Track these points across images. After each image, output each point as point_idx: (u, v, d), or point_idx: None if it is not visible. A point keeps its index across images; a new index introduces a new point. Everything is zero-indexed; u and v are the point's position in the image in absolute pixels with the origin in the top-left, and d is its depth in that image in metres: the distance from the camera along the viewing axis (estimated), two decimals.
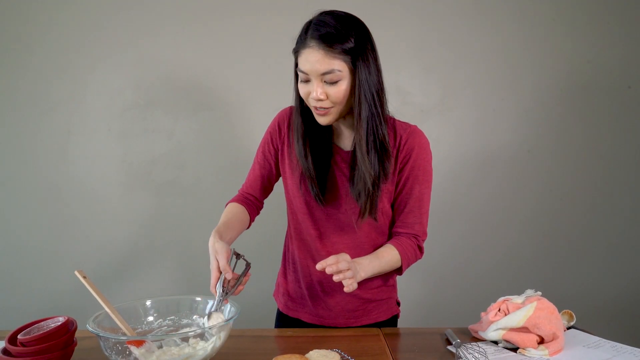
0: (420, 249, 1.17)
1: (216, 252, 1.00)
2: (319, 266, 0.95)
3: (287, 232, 1.31)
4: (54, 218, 1.93)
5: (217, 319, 0.97)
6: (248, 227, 1.25)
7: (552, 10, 1.94)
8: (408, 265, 1.15)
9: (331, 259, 0.96)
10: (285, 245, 1.33)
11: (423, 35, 1.93)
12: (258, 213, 1.29)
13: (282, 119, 1.21)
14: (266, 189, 1.27)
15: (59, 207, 1.93)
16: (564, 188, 2.01)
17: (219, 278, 0.99)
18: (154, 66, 1.90)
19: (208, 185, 1.95)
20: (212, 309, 0.99)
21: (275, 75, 1.90)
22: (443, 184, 1.96)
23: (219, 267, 0.99)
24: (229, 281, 0.99)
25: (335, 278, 0.96)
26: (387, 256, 1.10)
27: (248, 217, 1.22)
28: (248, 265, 1.05)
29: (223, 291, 0.99)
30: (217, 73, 1.92)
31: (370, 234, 1.18)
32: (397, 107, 1.96)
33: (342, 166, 1.14)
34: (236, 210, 1.19)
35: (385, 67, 1.97)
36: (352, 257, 1.18)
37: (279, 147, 1.21)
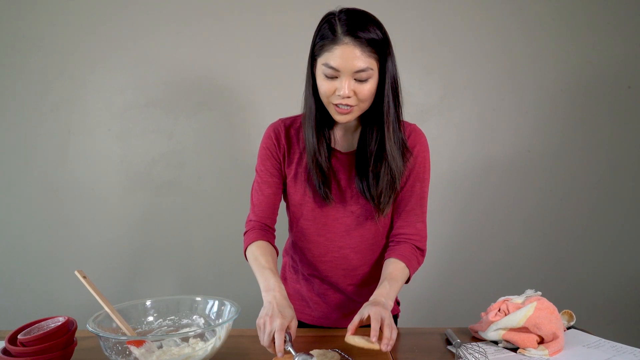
0: (422, 252, 1.15)
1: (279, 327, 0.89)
2: (383, 347, 0.89)
3: (287, 241, 1.30)
4: (54, 218, 1.93)
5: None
6: None
7: (552, 10, 1.94)
8: (413, 273, 1.14)
9: (386, 332, 0.90)
10: (284, 250, 1.32)
11: (423, 35, 1.93)
12: (275, 239, 1.22)
13: (277, 131, 1.17)
14: (276, 208, 1.20)
15: (59, 207, 1.93)
16: (564, 188, 2.01)
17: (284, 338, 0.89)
18: (154, 66, 1.90)
19: (208, 185, 1.95)
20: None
21: (275, 76, 1.90)
22: (443, 183, 1.96)
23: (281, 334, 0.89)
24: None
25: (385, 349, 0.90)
26: (400, 274, 1.07)
27: (275, 252, 1.15)
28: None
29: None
30: (217, 73, 1.91)
31: (377, 233, 1.17)
32: None
33: (346, 168, 1.13)
34: (269, 252, 1.11)
35: None
36: (360, 257, 1.18)
37: (281, 160, 1.17)
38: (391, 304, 0.99)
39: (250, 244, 1.13)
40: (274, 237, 1.19)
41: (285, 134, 1.16)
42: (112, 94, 1.91)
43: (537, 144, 1.99)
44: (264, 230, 1.16)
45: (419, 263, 1.14)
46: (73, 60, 1.89)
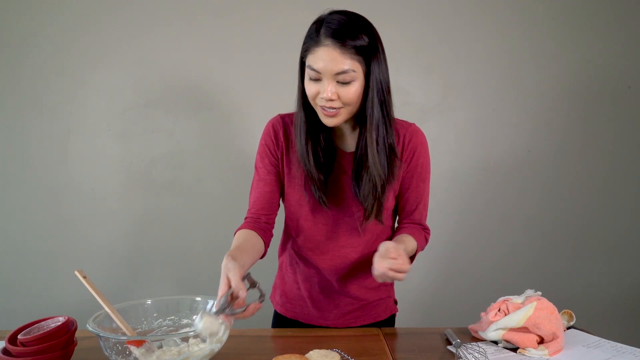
0: (427, 240, 1.21)
1: (228, 270, 0.87)
2: (384, 264, 0.93)
3: (282, 238, 1.28)
4: (54, 218, 1.93)
5: (209, 324, 0.86)
6: (263, 256, 1.13)
7: (553, 10, 1.94)
8: (418, 253, 1.18)
9: (393, 253, 0.94)
10: (280, 249, 1.30)
11: (423, 35, 1.93)
12: (271, 236, 1.17)
13: (276, 128, 1.15)
14: (274, 206, 1.17)
15: (59, 207, 1.93)
16: (564, 188, 2.01)
17: (225, 292, 0.86)
18: (154, 66, 1.90)
19: (208, 185, 1.95)
20: (209, 311, 0.92)
21: (275, 75, 1.90)
22: (443, 183, 1.96)
23: (228, 284, 0.87)
24: (236, 299, 0.86)
25: (391, 274, 0.93)
26: (412, 245, 1.10)
27: (262, 242, 1.11)
28: (262, 295, 0.91)
29: (227, 305, 0.85)
30: (217, 73, 1.91)
31: (380, 235, 1.18)
32: (397, 107, 1.95)
33: (347, 168, 1.12)
34: (247, 236, 1.08)
35: None
36: (361, 256, 1.18)
37: (279, 157, 1.15)
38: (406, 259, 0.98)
39: (236, 232, 1.11)
40: (269, 230, 1.16)
41: (283, 131, 1.15)
42: (112, 94, 1.91)
43: (537, 144, 1.99)
44: (255, 222, 1.13)
45: (423, 248, 1.19)
46: (73, 60, 1.89)
